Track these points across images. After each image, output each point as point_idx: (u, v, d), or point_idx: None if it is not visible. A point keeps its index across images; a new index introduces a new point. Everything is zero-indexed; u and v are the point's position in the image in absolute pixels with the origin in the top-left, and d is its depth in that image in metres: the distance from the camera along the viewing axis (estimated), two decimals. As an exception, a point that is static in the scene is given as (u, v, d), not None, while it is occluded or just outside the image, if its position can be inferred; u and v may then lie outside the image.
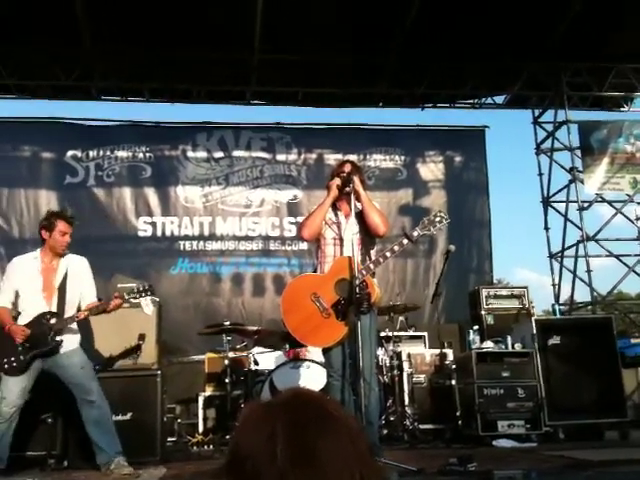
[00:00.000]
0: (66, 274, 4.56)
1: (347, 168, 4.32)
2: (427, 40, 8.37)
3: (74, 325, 4.54)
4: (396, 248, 4.11)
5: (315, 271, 4.35)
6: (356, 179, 4.15)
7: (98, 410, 4.42)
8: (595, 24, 8.18)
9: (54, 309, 4.45)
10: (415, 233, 4.15)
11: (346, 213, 4.26)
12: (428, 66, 9.11)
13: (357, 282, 3.88)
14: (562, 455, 4.44)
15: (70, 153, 9.34)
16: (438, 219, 4.18)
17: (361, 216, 4.16)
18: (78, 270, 4.64)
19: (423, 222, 4.20)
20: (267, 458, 0.86)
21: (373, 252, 4.27)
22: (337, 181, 4.22)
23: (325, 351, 4.24)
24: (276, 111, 14.82)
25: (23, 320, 4.44)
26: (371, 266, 4.07)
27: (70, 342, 4.49)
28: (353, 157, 8.98)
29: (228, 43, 8.29)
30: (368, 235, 4.21)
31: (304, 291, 4.11)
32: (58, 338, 4.39)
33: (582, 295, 9.52)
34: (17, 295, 4.52)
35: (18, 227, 9.00)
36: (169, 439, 6.13)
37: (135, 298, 4.50)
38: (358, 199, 4.13)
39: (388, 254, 4.11)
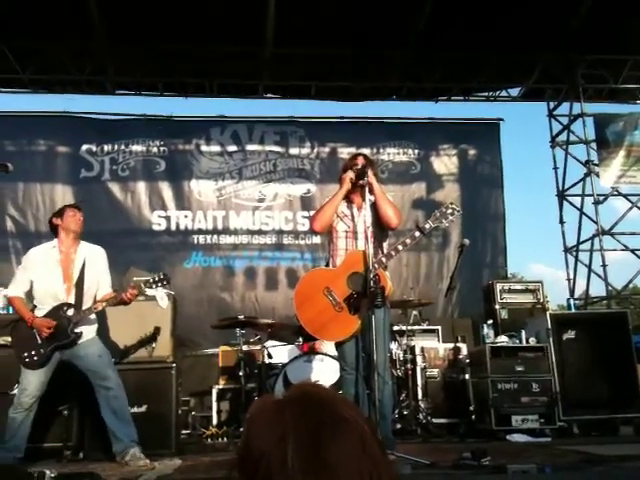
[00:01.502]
0: (84, 264, 4.57)
1: (361, 161, 4.32)
2: (441, 33, 8.31)
3: (92, 315, 4.56)
4: (408, 241, 4.10)
5: (327, 264, 4.35)
6: (370, 172, 4.14)
7: (115, 398, 4.44)
8: (610, 16, 8.09)
9: (72, 300, 4.46)
10: (427, 225, 4.14)
11: (359, 206, 4.26)
12: (442, 59, 9.05)
13: (370, 276, 3.88)
14: (576, 450, 4.42)
15: (85, 147, 9.40)
16: (450, 211, 4.17)
17: (374, 209, 4.15)
18: (95, 259, 4.65)
19: (435, 214, 4.19)
20: (278, 462, 0.86)
21: (385, 245, 4.27)
22: (350, 174, 4.22)
23: (338, 345, 4.25)
24: (289, 105, 14.81)
25: (40, 312, 4.46)
26: (384, 259, 4.06)
27: (87, 332, 4.51)
28: (366, 151, 8.98)
29: (241, 37, 8.30)
30: (381, 228, 4.21)
31: (317, 285, 4.12)
32: (77, 330, 4.41)
33: (597, 289, 9.47)
34: (32, 286, 4.52)
35: (34, 221, 9.07)
36: (183, 431, 6.17)
37: (151, 288, 4.50)
38: (371, 191, 4.12)
39: (400, 247, 4.10)
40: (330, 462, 0.86)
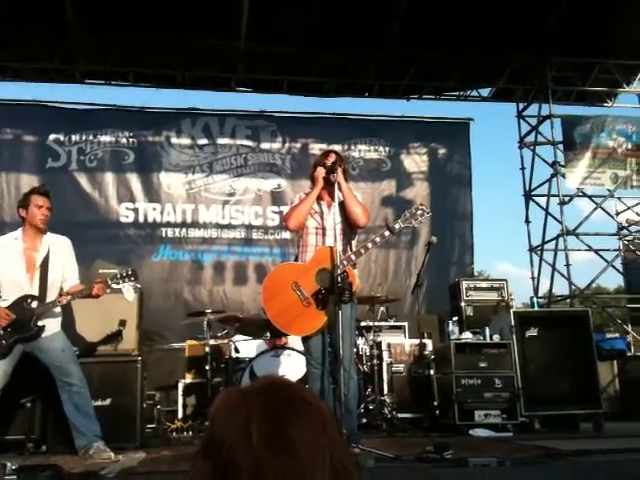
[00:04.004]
0: (48, 254, 4.49)
1: (332, 158, 4.35)
2: (414, 32, 8.38)
3: (57, 308, 4.49)
4: (377, 239, 4.15)
5: (296, 260, 4.38)
6: (339, 170, 4.18)
7: (78, 393, 4.40)
8: (581, 19, 8.23)
9: (36, 291, 4.40)
10: (397, 225, 4.20)
11: (328, 203, 4.30)
12: (414, 58, 9.13)
13: (338, 272, 3.91)
14: (537, 445, 4.51)
15: (52, 137, 9.25)
16: (419, 212, 4.22)
17: (343, 206, 4.19)
18: (60, 250, 4.58)
19: (405, 215, 4.24)
20: (242, 443, 0.88)
21: (354, 242, 4.32)
22: (322, 171, 4.25)
23: (305, 340, 4.28)
24: (261, 99, 14.82)
25: (5, 303, 4.38)
26: (352, 257, 4.10)
27: (51, 325, 4.44)
28: (338, 147, 9.00)
29: (215, 30, 8.25)
30: (349, 226, 4.25)
31: (285, 280, 4.14)
32: (40, 323, 4.34)
33: (561, 289, 9.65)
34: None
35: (-1, 211, 8.92)
36: (148, 425, 6.12)
37: (118, 283, 4.46)
38: (339, 189, 4.16)
39: (369, 245, 4.16)
40: (292, 440, 0.89)
